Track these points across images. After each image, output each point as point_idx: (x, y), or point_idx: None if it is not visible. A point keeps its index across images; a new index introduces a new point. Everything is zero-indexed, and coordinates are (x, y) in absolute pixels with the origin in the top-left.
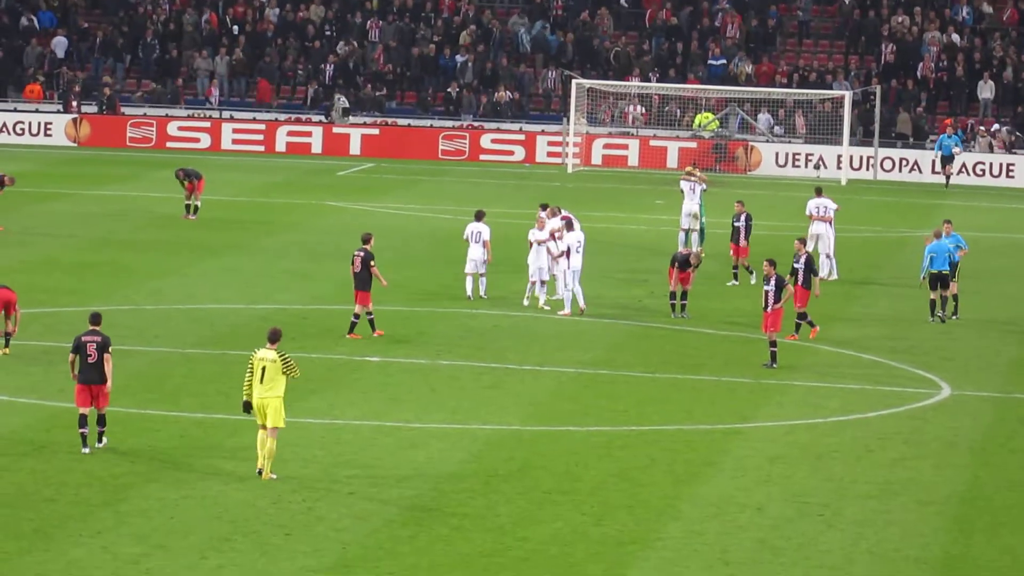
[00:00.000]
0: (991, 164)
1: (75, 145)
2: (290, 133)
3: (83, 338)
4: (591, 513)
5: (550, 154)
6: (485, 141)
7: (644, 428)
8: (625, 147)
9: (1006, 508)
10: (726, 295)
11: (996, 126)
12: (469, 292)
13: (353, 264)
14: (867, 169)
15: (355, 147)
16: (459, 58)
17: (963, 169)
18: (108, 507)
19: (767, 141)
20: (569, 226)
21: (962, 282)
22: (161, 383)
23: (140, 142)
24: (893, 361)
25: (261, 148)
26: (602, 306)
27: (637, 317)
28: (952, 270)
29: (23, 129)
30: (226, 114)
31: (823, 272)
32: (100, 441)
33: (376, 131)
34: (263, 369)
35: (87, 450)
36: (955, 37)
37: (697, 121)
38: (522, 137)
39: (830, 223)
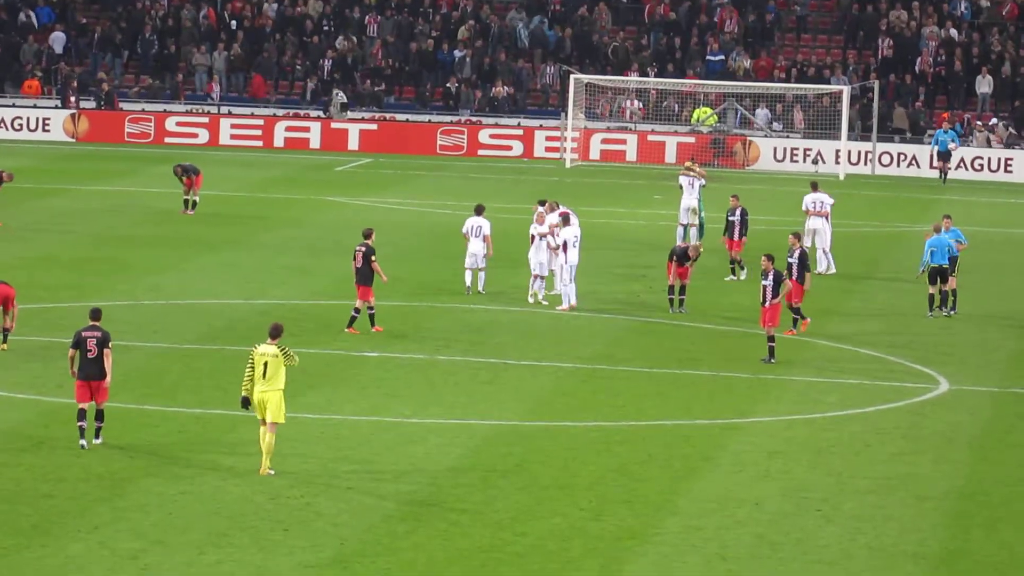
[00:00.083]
0: (989, 159)
1: (73, 141)
2: (288, 128)
3: (83, 333)
4: (589, 508)
5: (548, 149)
6: (483, 136)
7: (642, 423)
8: (623, 142)
9: (1004, 503)
10: (724, 290)
11: (994, 120)
12: (468, 284)
13: (355, 259)
14: (865, 164)
15: (353, 142)
16: (457, 53)
17: (961, 164)
18: (106, 503)
19: (765, 136)
20: (566, 221)
21: (960, 277)
22: (159, 378)
23: (138, 137)
24: (891, 356)
25: (259, 143)
26: (600, 301)
27: (635, 312)
28: (952, 264)
29: (21, 125)
30: (224, 109)
31: (820, 267)
32: (97, 438)
33: (374, 126)
34: (264, 365)
35: (84, 442)
36: (953, 32)
37: (695, 116)
38: (520, 132)
39: (826, 218)
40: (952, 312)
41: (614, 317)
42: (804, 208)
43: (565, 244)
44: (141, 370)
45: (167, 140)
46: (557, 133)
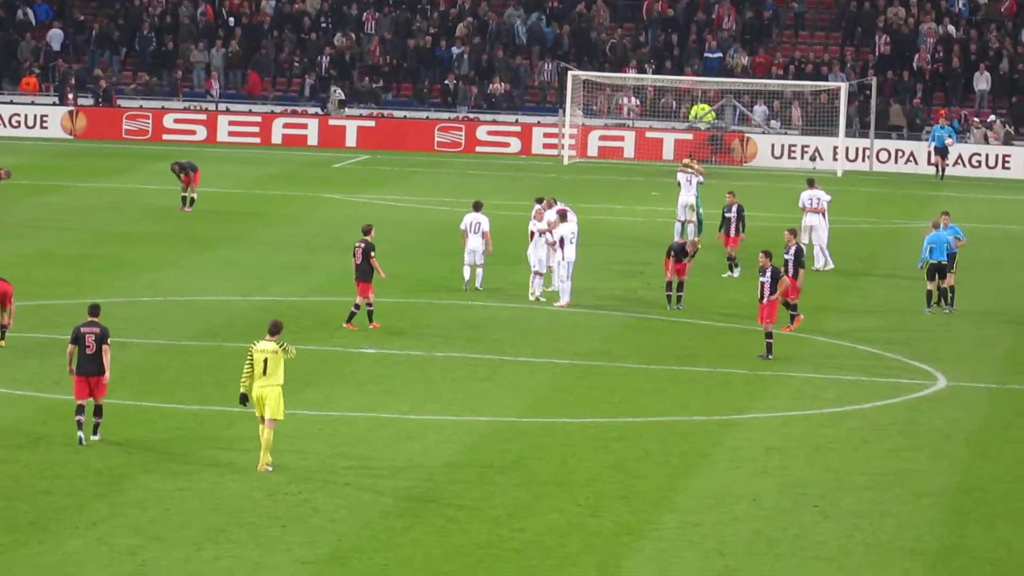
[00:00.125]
0: (987, 155)
1: (71, 137)
2: (286, 125)
3: (82, 329)
4: (586, 504)
5: (546, 146)
6: (481, 133)
7: (640, 420)
8: (621, 139)
9: (1001, 499)
10: (722, 286)
11: (992, 117)
12: (467, 280)
13: (354, 255)
14: (863, 160)
15: (351, 139)
16: (455, 50)
17: (959, 160)
18: (104, 499)
19: (763, 132)
20: (563, 217)
21: (959, 273)
22: (157, 375)
23: (136, 134)
24: (889, 352)
25: (257, 140)
26: (598, 297)
27: (633, 308)
28: (950, 261)
29: (19, 122)
30: (222, 106)
31: (818, 264)
32: (95, 434)
33: (372, 123)
34: (265, 361)
35: (81, 433)
36: (951, 28)
37: (693, 112)
38: (518, 129)
39: (823, 214)
40: (950, 309)
41: (611, 313)
42: (801, 205)
43: (562, 240)
44: (139, 367)
45: (165, 137)
46: (555, 130)
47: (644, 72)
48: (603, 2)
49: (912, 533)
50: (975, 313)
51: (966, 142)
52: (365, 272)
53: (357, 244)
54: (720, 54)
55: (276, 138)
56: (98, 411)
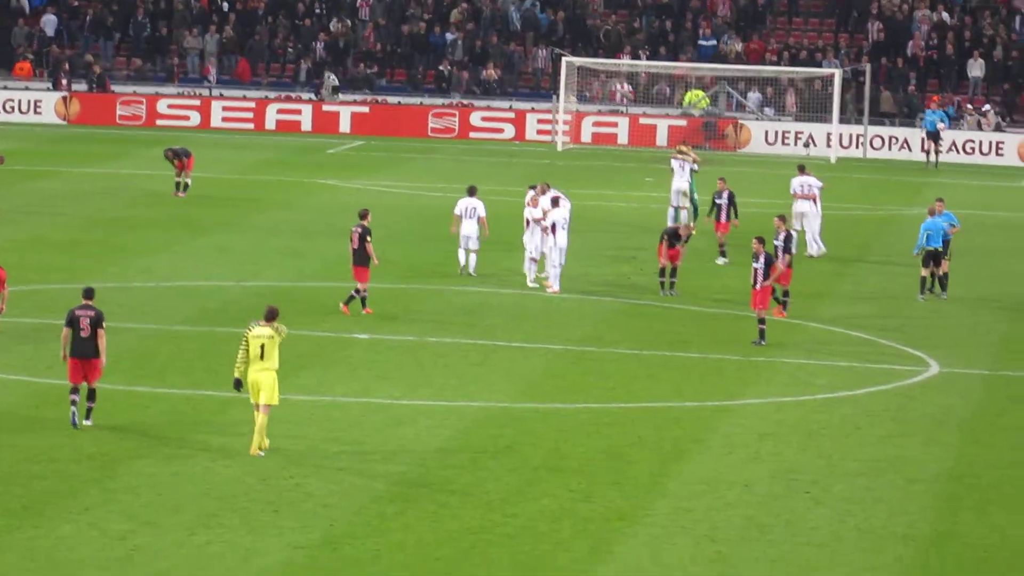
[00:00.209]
0: (981, 142)
1: (65, 123)
2: (280, 111)
3: (76, 312)
4: (579, 490)
5: (540, 132)
6: (475, 119)
7: (632, 405)
8: (615, 125)
9: (994, 486)
10: (715, 273)
11: (987, 107)
12: (462, 264)
13: (351, 240)
14: (857, 147)
15: (345, 125)
16: (449, 36)
17: (953, 147)
18: (96, 484)
19: (756, 119)
20: (555, 203)
21: (952, 260)
22: (150, 360)
23: (130, 120)
24: (882, 339)
25: (251, 126)
26: (591, 283)
27: (626, 294)
28: (945, 248)
29: (13, 107)
30: (216, 92)
31: (811, 251)
32: (87, 419)
33: (366, 109)
34: (261, 346)
35: (75, 409)
36: (945, 15)
37: (687, 99)
38: (512, 115)
39: (814, 200)
40: (943, 295)
41: (604, 299)
42: (792, 191)
43: (554, 226)
44: (132, 351)
45: (159, 123)
46: (549, 116)
47: (638, 58)
48: None
49: (904, 519)
50: (969, 300)
51: (959, 129)
52: (362, 257)
53: (354, 229)
54: (714, 41)
55: (270, 124)
56: (91, 395)
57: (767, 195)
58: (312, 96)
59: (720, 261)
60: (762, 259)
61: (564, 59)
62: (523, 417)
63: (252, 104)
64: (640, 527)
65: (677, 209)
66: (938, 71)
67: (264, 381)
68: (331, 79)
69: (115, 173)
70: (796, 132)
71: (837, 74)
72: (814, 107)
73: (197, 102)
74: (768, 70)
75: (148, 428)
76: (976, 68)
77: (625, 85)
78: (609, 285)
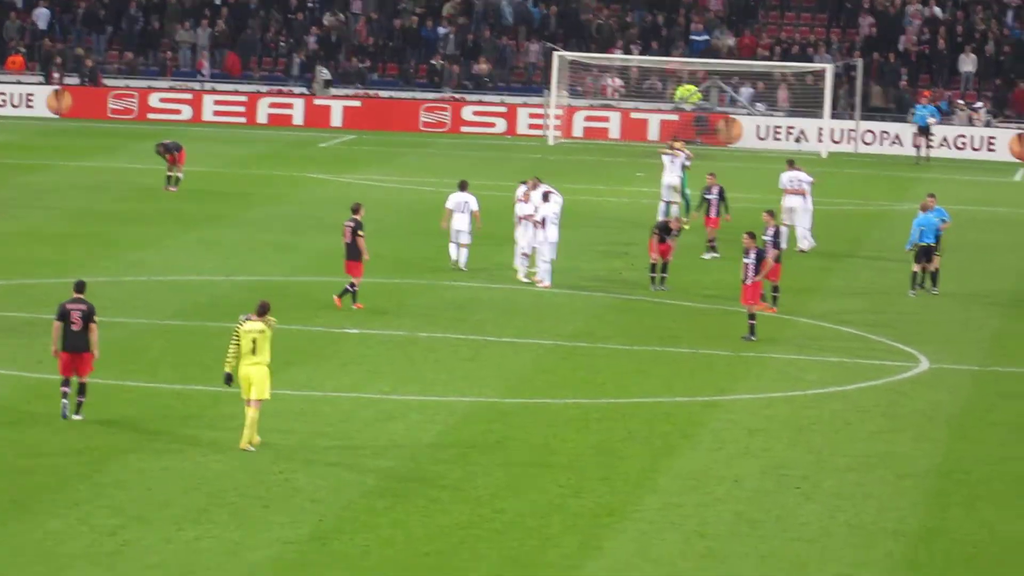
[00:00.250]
0: (972, 137)
1: (57, 116)
2: (272, 105)
3: (67, 305)
4: (568, 485)
5: (531, 126)
6: (467, 113)
7: (622, 400)
8: (606, 119)
9: (984, 481)
10: (705, 268)
11: (979, 104)
12: (453, 258)
13: (344, 234)
14: (848, 142)
15: (337, 119)
16: (441, 30)
17: (944, 142)
18: (85, 479)
19: (748, 114)
20: (545, 198)
21: (943, 256)
22: (141, 354)
23: (122, 113)
24: (873, 334)
25: (243, 120)
26: (581, 278)
27: (616, 290)
28: (936, 243)
29: (4, 100)
30: (208, 86)
31: (801, 245)
32: (77, 413)
33: (358, 103)
34: (253, 341)
35: (66, 402)
36: (937, 10)
37: (679, 93)
38: (504, 109)
39: (804, 195)
40: (934, 291)
41: (594, 294)
42: (781, 186)
43: (544, 221)
44: (122, 346)
45: (150, 116)
46: (541, 110)
47: (630, 53)
48: None
49: (894, 515)
50: (960, 295)
51: (951, 124)
52: (354, 251)
53: (346, 223)
54: (706, 35)
55: (262, 118)
56: (82, 390)
57: (759, 190)
58: (304, 90)
59: (707, 256)
60: (753, 254)
61: (556, 54)
62: (513, 412)
63: (244, 98)
64: (629, 522)
65: (668, 204)
66: (930, 66)
67: (256, 376)
68: (323, 73)
69: (106, 167)
70: (787, 127)
71: (829, 69)
72: (806, 102)
73: (189, 96)
74: (760, 65)
75: (138, 422)
76: (968, 63)
77: (616, 80)
78: (600, 280)
